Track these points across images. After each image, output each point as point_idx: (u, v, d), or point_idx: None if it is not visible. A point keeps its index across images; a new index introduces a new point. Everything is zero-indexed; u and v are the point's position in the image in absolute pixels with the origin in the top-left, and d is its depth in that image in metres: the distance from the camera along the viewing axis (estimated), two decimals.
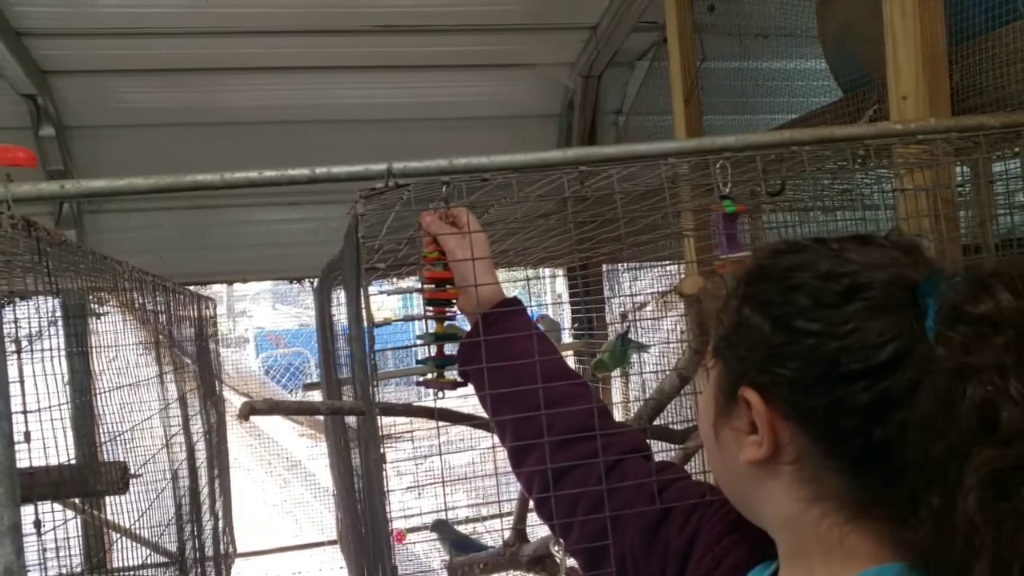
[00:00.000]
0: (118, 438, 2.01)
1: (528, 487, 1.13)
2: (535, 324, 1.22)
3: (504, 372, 1.13)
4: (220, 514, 3.59)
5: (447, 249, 1.18)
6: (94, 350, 1.90)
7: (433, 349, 1.26)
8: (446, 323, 1.26)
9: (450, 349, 1.30)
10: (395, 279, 2.14)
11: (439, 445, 1.11)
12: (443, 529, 3.29)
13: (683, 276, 1.33)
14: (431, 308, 1.23)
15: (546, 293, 4.62)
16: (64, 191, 1.03)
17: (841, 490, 0.69)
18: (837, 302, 0.68)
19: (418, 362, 1.28)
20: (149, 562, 2.35)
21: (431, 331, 1.24)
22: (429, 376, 1.25)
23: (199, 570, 2.76)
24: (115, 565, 2.18)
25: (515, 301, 1.21)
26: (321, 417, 5.49)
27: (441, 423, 1.53)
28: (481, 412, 1.23)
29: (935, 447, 0.61)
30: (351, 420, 2.55)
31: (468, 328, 1.25)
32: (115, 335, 2.24)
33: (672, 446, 2.14)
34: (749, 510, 0.79)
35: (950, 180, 1.51)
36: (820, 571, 0.71)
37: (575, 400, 1.11)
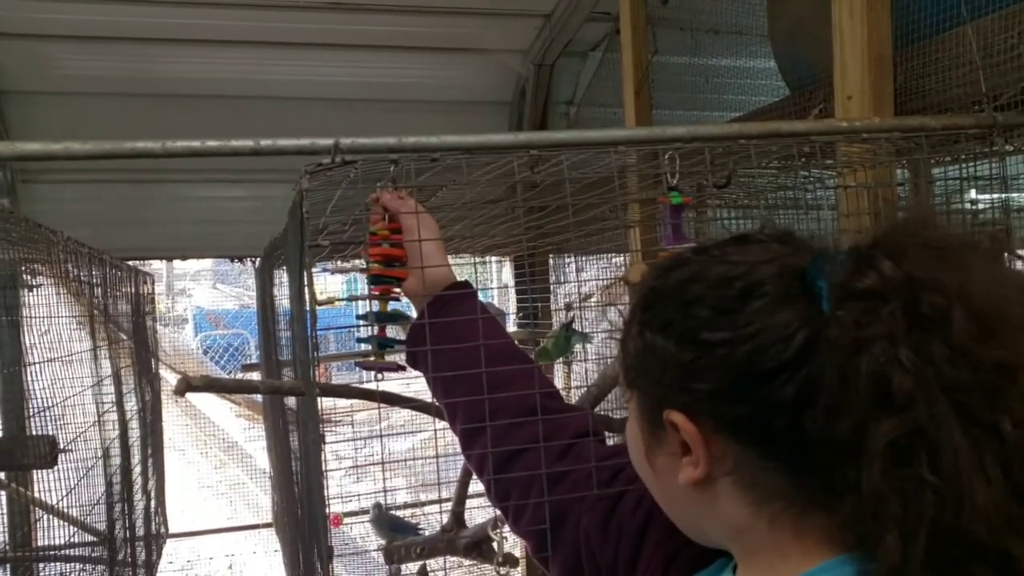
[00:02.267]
0: (48, 413, 1.96)
1: (480, 470, 1.12)
2: (485, 307, 1.21)
3: (455, 354, 1.12)
4: (152, 494, 3.52)
5: (406, 227, 1.16)
6: (25, 320, 1.84)
7: (375, 329, 1.24)
8: (390, 305, 1.25)
9: (392, 332, 1.29)
10: (339, 261, 2.12)
11: (379, 428, 1.10)
12: (379, 513, 3.27)
13: (629, 266, 1.33)
14: (376, 287, 1.22)
15: (492, 281, 4.62)
16: None
17: (784, 488, 0.69)
18: (736, 306, 0.68)
19: (359, 341, 1.27)
20: (76, 541, 2.29)
21: (375, 311, 1.23)
22: (371, 357, 1.24)
23: (128, 550, 2.70)
24: (41, 543, 2.13)
25: (465, 284, 1.20)
26: (259, 398, 5.42)
27: (383, 406, 1.51)
28: (425, 396, 1.23)
29: (841, 425, 0.61)
30: (290, 401, 2.52)
31: (412, 312, 1.24)
32: (48, 308, 2.18)
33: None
34: (700, 531, 0.77)
35: (891, 179, 1.54)
36: (780, 567, 0.70)
37: (527, 382, 1.11)
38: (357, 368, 1.24)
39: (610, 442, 1.14)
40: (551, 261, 3.84)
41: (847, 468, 0.61)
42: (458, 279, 1.20)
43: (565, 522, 1.02)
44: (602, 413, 2.16)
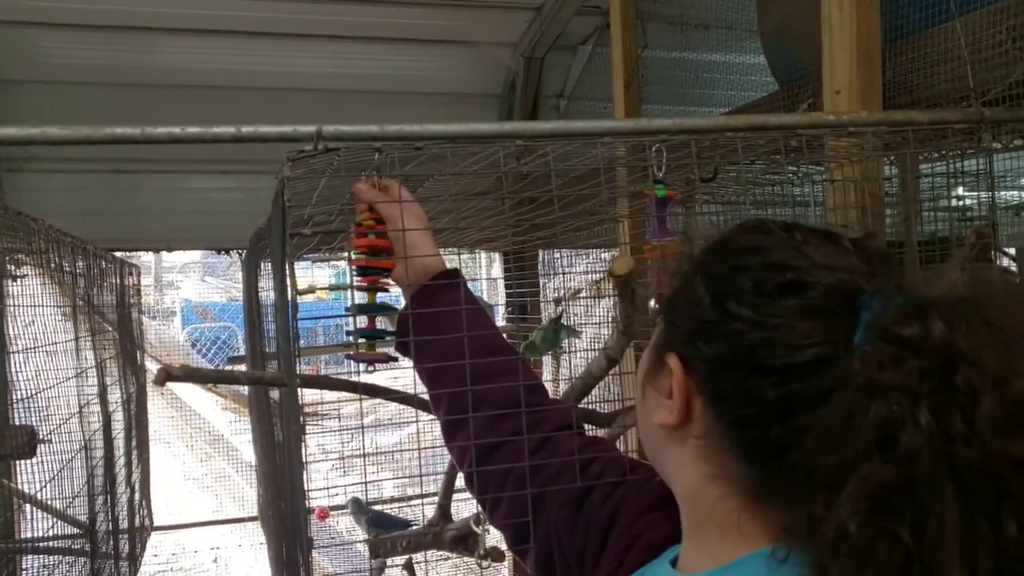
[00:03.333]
0: (31, 404, 1.94)
1: (460, 461, 1.12)
2: (474, 297, 1.20)
3: (443, 344, 1.11)
4: (137, 486, 3.50)
5: (388, 217, 1.15)
6: (9, 309, 1.82)
7: (363, 321, 1.23)
8: (379, 296, 1.23)
9: (382, 323, 1.27)
10: (325, 251, 2.10)
11: (362, 420, 1.09)
12: (358, 507, 3.26)
13: (614, 259, 1.33)
14: (363, 278, 1.20)
15: (482, 278, 4.60)
16: None
17: (739, 474, 0.69)
18: (774, 293, 0.67)
19: (348, 334, 1.25)
20: (58, 533, 2.27)
21: (362, 302, 1.22)
22: (361, 350, 1.22)
23: (111, 542, 2.69)
24: (24, 535, 2.11)
25: (454, 273, 1.19)
26: (245, 391, 5.40)
27: (366, 399, 1.50)
28: (410, 389, 1.22)
29: (827, 459, 0.59)
30: (275, 394, 2.50)
31: (400, 304, 1.23)
32: (32, 299, 2.16)
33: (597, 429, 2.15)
34: (662, 470, 0.80)
35: (878, 174, 1.54)
36: (714, 547, 0.71)
37: (513, 374, 1.11)
38: (349, 363, 1.22)
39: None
40: (540, 255, 3.83)
41: (815, 500, 0.59)
42: (448, 267, 1.20)
43: (539, 515, 1.02)
44: (588, 407, 2.16)
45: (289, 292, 1.09)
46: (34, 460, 1.94)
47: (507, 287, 4.19)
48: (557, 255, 3.75)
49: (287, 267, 1.13)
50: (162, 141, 1.05)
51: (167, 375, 1.16)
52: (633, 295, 1.32)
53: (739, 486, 0.70)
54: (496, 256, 4.40)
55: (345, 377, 1.80)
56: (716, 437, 0.70)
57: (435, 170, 1.42)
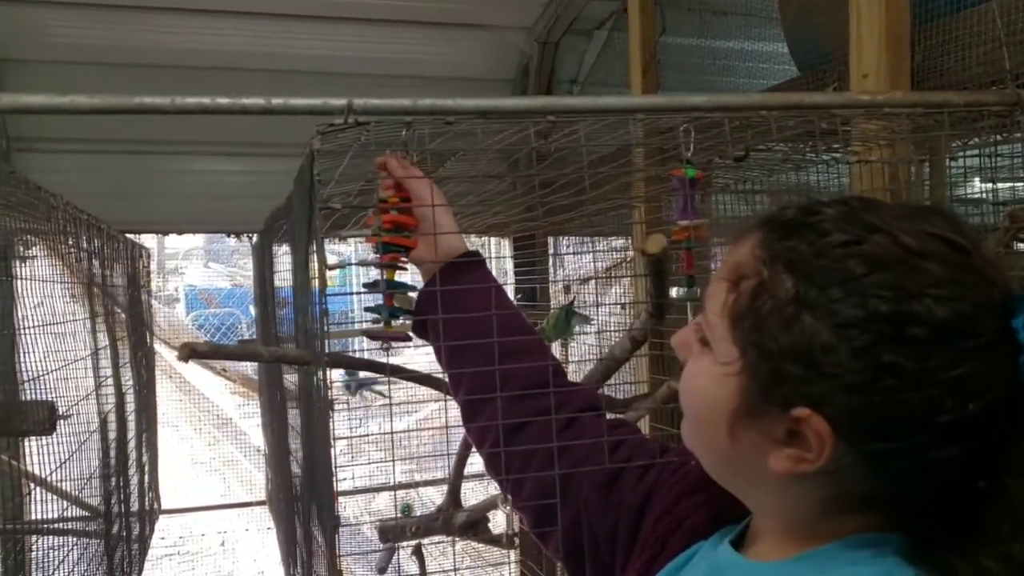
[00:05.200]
0: (42, 384, 1.93)
1: (480, 441, 1.10)
2: (493, 278, 1.18)
3: (464, 323, 1.09)
4: (147, 468, 3.50)
5: (416, 195, 1.13)
6: (18, 283, 1.80)
7: (380, 299, 1.21)
8: (397, 275, 1.22)
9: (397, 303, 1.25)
10: (344, 230, 2.09)
11: (389, 397, 1.08)
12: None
13: (643, 238, 1.31)
14: (384, 256, 1.19)
15: (491, 261, 4.58)
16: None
17: (870, 503, 0.65)
18: (949, 340, 0.58)
19: (366, 310, 1.24)
20: (69, 515, 2.27)
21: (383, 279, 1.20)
22: (380, 326, 1.21)
23: (122, 524, 2.68)
24: (32, 518, 2.10)
25: (475, 253, 1.18)
26: (254, 375, 5.39)
27: (393, 379, 1.49)
28: (433, 371, 1.20)
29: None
30: (288, 378, 2.49)
31: (417, 286, 1.21)
32: (42, 280, 2.14)
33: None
34: (743, 494, 0.74)
35: (909, 158, 1.52)
36: (795, 544, 0.68)
37: (534, 355, 1.08)
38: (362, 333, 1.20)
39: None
40: (551, 241, 3.81)
41: (1017, 539, 0.57)
42: (468, 247, 1.18)
43: (566, 496, 1.00)
44: (605, 393, 2.14)
45: (318, 267, 1.07)
46: (41, 442, 1.93)
47: (517, 273, 4.18)
48: (566, 242, 3.73)
49: (316, 243, 1.11)
50: (191, 111, 1.03)
51: (192, 351, 1.15)
52: (665, 275, 1.30)
53: (858, 502, 0.65)
54: (505, 242, 4.38)
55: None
56: (859, 475, 0.63)
57: (461, 147, 1.40)
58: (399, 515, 3.16)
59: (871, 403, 0.59)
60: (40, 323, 2.00)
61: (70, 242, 2.16)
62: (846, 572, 0.64)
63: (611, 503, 0.96)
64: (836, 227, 0.63)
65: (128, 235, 3.67)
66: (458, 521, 2.91)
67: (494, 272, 1.19)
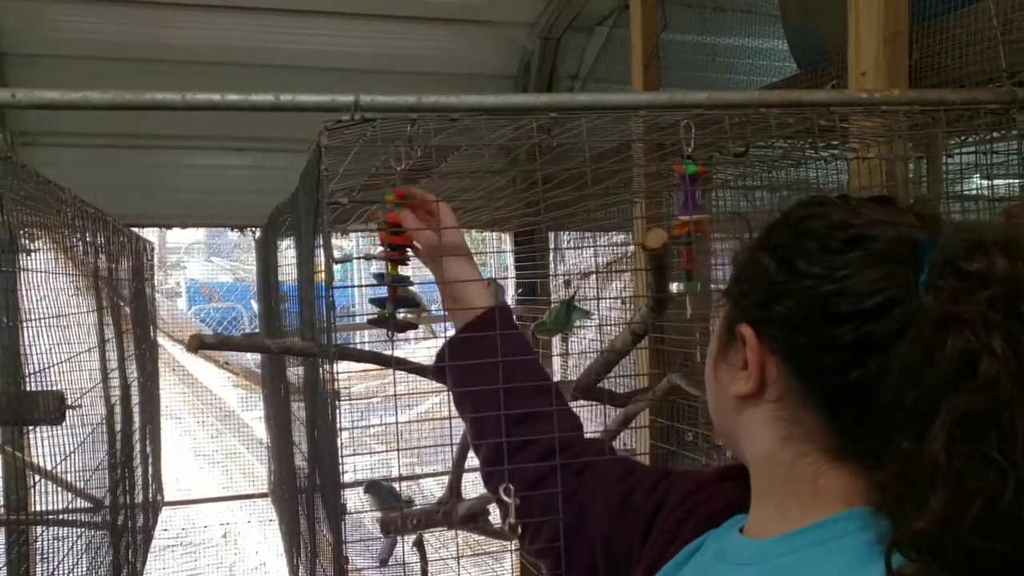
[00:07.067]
0: (47, 376, 1.94)
1: (493, 483, 1.12)
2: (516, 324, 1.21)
3: (490, 380, 1.11)
4: (150, 460, 3.52)
5: (425, 244, 1.16)
6: (22, 273, 1.81)
7: (385, 292, 1.24)
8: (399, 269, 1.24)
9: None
10: (339, 235, 2.11)
11: (395, 392, 1.10)
12: (376, 489, 3.27)
13: (645, 233, 1.33)
14: (390, 252, 1.21)
15: (490, 256, 4.60)
16: (15, 100, 0.99)
17: (818, 431, 0.72)
18: (840, 248, 0.71)
19: (371, 301, 1.27)
20: (73, 506, 2.28)
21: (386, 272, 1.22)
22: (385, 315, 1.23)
23: (127, 515, 2.70)
24: (36, 509, 2.11)
25: (503, 307, 1.18)
26: (256, 369, 5.41)
27: (395, 372, 1.51)
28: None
29: (911, 393, 0.62)
30: (295, 371, 2.51)
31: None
32: (46, 274, 2.15)
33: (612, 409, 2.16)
34: (734, 443, 0.81)
35: (905, 155, 1.54)
36: (794, 511, 0.73)
37: (557, 419, 1.11)
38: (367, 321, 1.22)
39: (610, 418, 1.14)
40: (552, 236, 3.83)
41: (901, 431, 0.63)
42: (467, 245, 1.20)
43: (582, 527, 1.04)
44: (605, 387, 2.17)
45: (325, 261, 1.09)
46: (47, 434, 1.94)
47: (517, 268, 4.20)
48: (567, 237, 3.75)
49: (323, 237, 1.13)
50: (202, 107, 1.05)
51: (200, 342, 1.17)
52: (665, 269, 1.32)
53: (816, 444, 0.72)
54: (507, 237, 4.40)
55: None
56: (793, 396, 0.73)
57: (464, 142, 1.42)
58: (400, 502, 3.19)
59: (792, 304, 0.72)
60: (46, 315, 2.02)
61: (77, 236, 2.17)
62: (811, 553, 0.69)
63: (627, 514, 0.99)
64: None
65: (131, 229, 3.69)
66: (459, 513, 2.93)
67: (495, 267, 1.21)
